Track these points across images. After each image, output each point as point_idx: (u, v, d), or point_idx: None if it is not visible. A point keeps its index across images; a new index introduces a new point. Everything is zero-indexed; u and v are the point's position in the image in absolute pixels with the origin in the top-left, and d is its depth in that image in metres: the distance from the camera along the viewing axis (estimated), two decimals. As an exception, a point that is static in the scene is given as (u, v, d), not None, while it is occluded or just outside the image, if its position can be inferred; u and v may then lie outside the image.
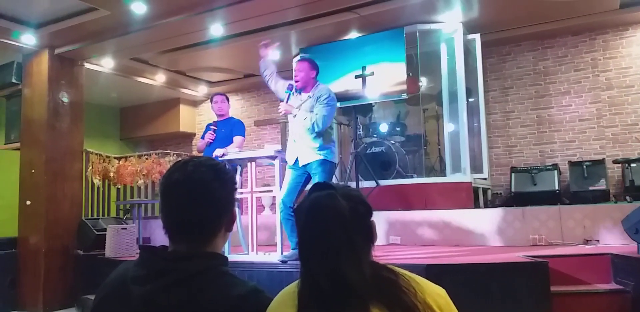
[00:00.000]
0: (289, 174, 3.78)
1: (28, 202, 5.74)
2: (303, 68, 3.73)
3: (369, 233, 1.07)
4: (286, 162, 3.86)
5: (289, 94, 3.77)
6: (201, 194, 1.13)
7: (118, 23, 5.18)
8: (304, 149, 3.70)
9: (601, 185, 5.46)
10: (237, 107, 8.29)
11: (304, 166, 3.72)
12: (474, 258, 3.59)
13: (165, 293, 1.04)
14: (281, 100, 3.88)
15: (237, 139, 4.66)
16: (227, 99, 4.94)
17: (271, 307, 1.04)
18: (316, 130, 3.62)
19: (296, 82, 3.75)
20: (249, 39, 5.89)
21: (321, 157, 3.65)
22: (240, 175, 4.24)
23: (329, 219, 1.00)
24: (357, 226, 1.03)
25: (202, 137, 4.82)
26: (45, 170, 5.68)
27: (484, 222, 4.57)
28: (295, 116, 3.78)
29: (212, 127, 4.75)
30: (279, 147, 4.03)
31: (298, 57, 5.64)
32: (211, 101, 4.91)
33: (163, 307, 1.03)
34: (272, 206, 6.14)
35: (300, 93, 3.82)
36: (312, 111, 3.66)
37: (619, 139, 5.92)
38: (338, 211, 1.01)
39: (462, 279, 2.95)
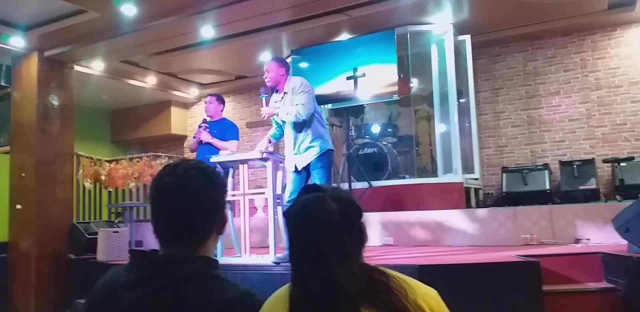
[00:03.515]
0: (291, 173, 3.80)
1: (18, 206, 5.68)
2: (271, 68, 3.79)
3: (360, 235, 1.07)
4: (282, 162, 3.87)
5: (265, 98, 3.84)
6: (193, 197, 1.12)
7: (108, 25, 5.14)
8: (301, 153, 3.73)
9: (591, 184, 5.50)
10: (229, 109, 8.25)
11: (303, 168, 3.76)
12: (466, 258, 3.60)
13: (156, 298, 1.03)
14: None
15: (232, 143, 4.67)
16: (219, 100, 4.92)
17: (262, 310, 1.04)
18: (300, 119, 3.64)
19: (267, 82, 3.80)
20: (240, 41, 5.90)
21: (316, 153, 3.67)
22: (232, 177, 4.23)
23: (318, 222, 1.00)
24: (347, 227, 1.03)
25: (194, 137, 4.86)
26: (36, 173, 5.62)
27: (475, 222, 4.59)
28: (284, 124, 3.81)
29: (203, 124, 4.77)
30: (271, 149, 4.03)
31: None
32: None
33: (154, 312, 1.03)
34: (265, 207, 6.12)
35: (277, 93, 3.86)
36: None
37: (609, 138, 5.97)
38: (327, 213, 1.01)
39: (454, 279, 2.96)
